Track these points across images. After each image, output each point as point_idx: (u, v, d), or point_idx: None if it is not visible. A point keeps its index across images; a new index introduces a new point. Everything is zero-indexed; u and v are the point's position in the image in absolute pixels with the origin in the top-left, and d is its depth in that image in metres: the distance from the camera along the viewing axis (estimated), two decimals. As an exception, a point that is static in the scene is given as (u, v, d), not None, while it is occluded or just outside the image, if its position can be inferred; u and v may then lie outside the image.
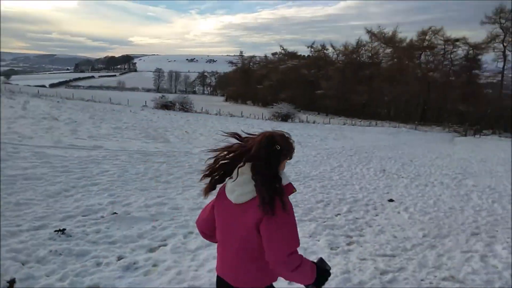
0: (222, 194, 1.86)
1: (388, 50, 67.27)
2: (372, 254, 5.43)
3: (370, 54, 69.83)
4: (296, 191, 1.86)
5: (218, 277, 1.94)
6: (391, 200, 8.97)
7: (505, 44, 52.39)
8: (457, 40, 57.86)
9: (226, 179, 1.84)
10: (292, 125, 35.58)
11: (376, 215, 7.61)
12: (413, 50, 61.02)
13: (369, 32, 65.25)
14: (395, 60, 63.59)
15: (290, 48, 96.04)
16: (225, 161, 1.83)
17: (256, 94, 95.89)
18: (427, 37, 59.76)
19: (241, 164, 1.73)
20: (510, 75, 58.59)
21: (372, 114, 71.80)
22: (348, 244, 5.83)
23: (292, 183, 1.89)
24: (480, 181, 12.87)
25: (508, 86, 61.77)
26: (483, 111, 61.00)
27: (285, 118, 41.92)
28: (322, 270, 1.81)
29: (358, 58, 71.20)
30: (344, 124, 45.97)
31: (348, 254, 5.38)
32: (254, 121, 33.63)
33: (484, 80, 61.05)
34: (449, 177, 13.24)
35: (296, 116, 44.95)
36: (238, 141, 1.84)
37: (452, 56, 60.34)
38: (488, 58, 58.38)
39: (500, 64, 54.41)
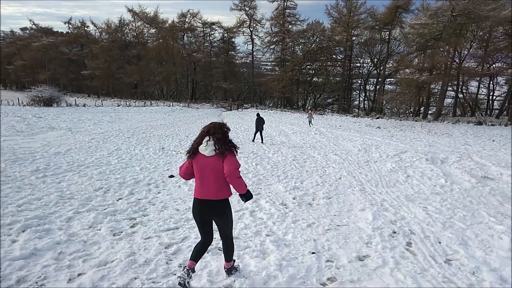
0: (197, 155, 3.62)
1: (153, 30, 67.53)
2: (157, 231, 5.52)
3: (135, 34, 68.44)
4: (239, 148, 3.81)
5: (198, 200, 3.67)
6: (171, 176, 9.29)
7: (251, 29, 60.76)
8: (213, 23, 63.37)
9: (200, 146, 3.62)
10: (58, 109, 31.60)
11: (159, 193, 7.74)
12: (176, 31, 63.23)
13: (130, 10, 63.51)
14: (161, 40, 64.52)
15: (43, 24, 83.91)
16: (197, 139, 3.69)
17: (7, 76, 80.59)
18: (187, 19, 62.89)
19: (208, 138, 3.57)
20: (259, 56, 68.92)
21: (145, 94, 71.79)
22: (132, 226, 5.73)
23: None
24: (245, 148, 14.85)
25: (258, 65, 72.63)
26: (241, 88, 70.00)
27: (48, 102, 36.50)
28: (249, 191, 3.75)
29: (123, 37, 68.66)
30: (119, 106, 44.26)
31: (132, 237, 5.30)
32: (9, 108, 28.06)
33: (239, 60, 69.72)
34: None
35: (62, 99, 40.08)
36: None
37: (211, 38, 65.82)
38: (240, 41, 66.57)
39: (250, 47, 62.92)
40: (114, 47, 67.81)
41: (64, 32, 77.09)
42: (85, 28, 71.39)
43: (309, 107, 51.78)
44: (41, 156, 10.99)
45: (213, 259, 4.61)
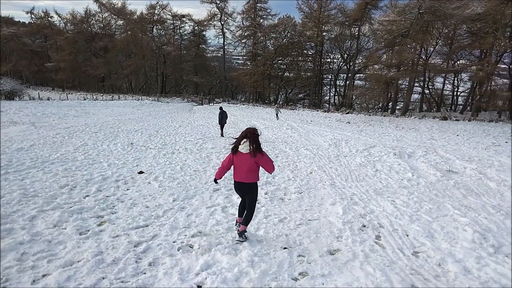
0: (237, 152, 4.93)
1: (121, 22, 65.53)
2: (125, 229, 5.38)
3: (102, 25, 66.22)
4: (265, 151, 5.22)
5: (235, 181, 5.06)
6: (141, 172, 9.08)
7: (222, 23, 60.17)
8: (184, 16, 62.25)
9: (239, 146, 4.92)
10: (21, 103, 30.27)
11: (128, 189, 7.55)
12: (145, 23, 61.68)
13: (97, 1, 61.27)
14: (129, 32, 62.76)
15: (4, 13, 79.84)
16: (238, 141, 4.99)
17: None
18: (156, 11, 61.46)
19: (245, 140, 4.86)
20: (230, 50, 68.43)
21: (113, 88, 69.86)
22: (100, 224, 5.55)
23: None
24: (217, 143, 14.74)
25: (229, 59, 72.16)
26: (212, 82, 69.46)
27: (10, 95, 34.92)
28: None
29: (90, 28, 66.28)
30: (85, 100, 42.80)
31: (100, 235, 5.13)
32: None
33: (210, 54, 68.99)
34: (191, 143, 14.51)
35: (25, 92, 38.47)
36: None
37: (181, 31, 64.66)
38: (211, 34, 65.78)
39: (221, 40, 62.33)
40: (80, 38, 65.41)
41: (27, 22, 73.69)
42: (49, 18, 68.35)
43: (278, 102, 52.06)
44: (2, 152, 10.50)
45: (184, 257, 4.55)
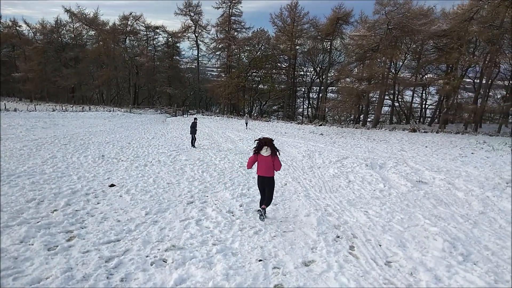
0: (259, 154, 6.68)
1: (92, 32, 64.43)
2: (96, 244, 5.21)
3: (73, 35, 64.89)
4: (280, 151, 8.14)
5: (259, 175, 6.83)
6: (112, 185, 8.86)
7: (196, 35, 60.21)
8: (157, 27, 61.96)
9: (261, 150, 6.69)
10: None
11: (98, 203, 7.34)
12: (118, 34, 60.87)
13: (68, 11, 60.11)
14: (101, 43, 61.74)
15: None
16: (259, 145, 6.74)
17: None
18: (129, 22, 60.86)
19: (266, 147, 6.62)
20: (204, 62, 68.47)
21: (83, 99, 68.26)
22: (69, 239, 5.35)
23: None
24: (191, 155, 14.61)
25: (203, 71, 72.18)
26: (186, 93, 69.07)
27: (-27, 107, 33.67)
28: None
29: (60, 38, 64.82)
30: (54, 111, 41.50)
31: (69, 251, 4.95)
32: None
33: (184, 66, 68.72)
34: (165, 155, 14.32)
35: (-11, 104, 37.12)
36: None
37: (154, 42, 64.20)
38: (185, 46, 65.54)
39: (195, 52, 62.28)
40: (49, 48, 63.78)
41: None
42: (17, 27, 66.44)
43: (247, 113, 52.39)
44: (-37, 165, 10.01)
45: (157, 272, 4.44)
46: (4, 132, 18.76)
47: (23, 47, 64.71)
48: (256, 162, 6.82)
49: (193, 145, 17.47)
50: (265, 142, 6.67)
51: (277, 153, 6.75)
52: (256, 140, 6.88)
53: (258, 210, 6.88)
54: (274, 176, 6.93)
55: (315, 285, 4.28)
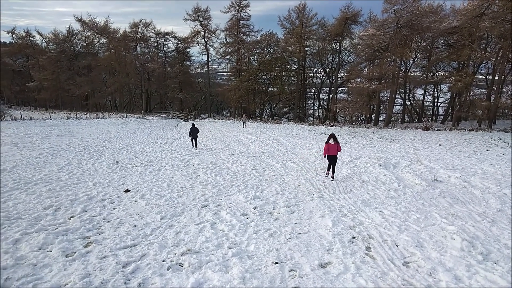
0: (329, 143, 10.80)
1: (104, 41, 65.34)
2: (113, 249, 5.26)
3: (85, 44, 65.92)
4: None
5: (329, 155, 10.89)
6: (127, 191, 8.96)
7: (205, 40, 60.57)
8: (167, 33, 62.53)
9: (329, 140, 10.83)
10: (3, 123, 29.51)
11: (114, 209, 7.42)
12: (128, 41, 61.63)
13: (79, 20, 61.06)
14: (112, 50, 62.54)
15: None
16: (328, 138, 10.94)
17: None
18: (139, 29, 61.55)
19: (332, 138, 10.83)
20: (214, 66, 68.82)
21: (97, 106, 69.19)
22: (86, 245, 5.42)
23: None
24: (204, 159, 14.68)
25: (214, 75, 72.53)
26: (197, 98, 69.49)
27: (-10, 116, 34.29)
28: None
29: (72, 47, 65.94)
30: (68, 119, 42.15)
31: (87, 256, 5.01)
32: None
33: (194, 71, 69.21)
34: (178, 159, 14.41)
35: (7, 113, 37.72)
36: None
37: (164, 48, 64.78)
38: (195, 51, 65.87)
39: (205, 57, 62.57)
40: (62, 57, 64.83)
41: (8, 42, 72.83)
42: (31, 38, 67.74)
43: (244, 115, 52.56)
44: (-18, 174, 10.22)
45: (174, 276, 4.46)
46: (20, 140, 19.11)
47: (37, 57, 65.93)
48: (327, 148, 10.66)
49: (194, 145, 18.56)
50: (331, 136, 10.65)
51: (338, 142, 10.70)
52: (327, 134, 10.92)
53: (327, 175, 11.16)
54: (337, 155, 10.88)
55: (333, 287, 4.25)
